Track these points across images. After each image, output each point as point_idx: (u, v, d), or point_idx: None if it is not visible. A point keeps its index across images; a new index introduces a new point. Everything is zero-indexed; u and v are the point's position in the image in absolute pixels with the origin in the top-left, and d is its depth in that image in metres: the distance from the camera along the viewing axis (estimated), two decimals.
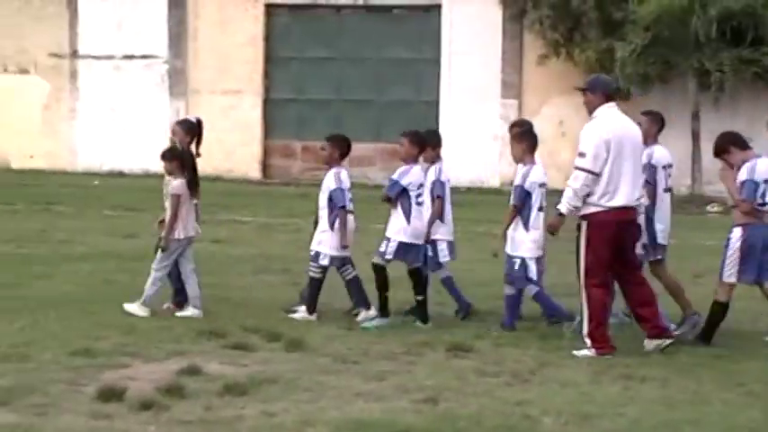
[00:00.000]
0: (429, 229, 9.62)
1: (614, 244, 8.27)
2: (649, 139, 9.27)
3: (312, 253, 9.52)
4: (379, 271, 9.27)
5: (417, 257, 9.37)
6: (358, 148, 24.94)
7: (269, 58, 26.60)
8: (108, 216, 17.85)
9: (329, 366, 7.66)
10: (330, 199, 9.40)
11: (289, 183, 24.72)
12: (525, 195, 9.15)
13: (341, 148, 9.61)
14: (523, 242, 9.15)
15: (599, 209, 8.22)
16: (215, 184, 24.51)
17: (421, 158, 9.67)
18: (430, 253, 9.73)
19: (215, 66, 26.45)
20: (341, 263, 9.50)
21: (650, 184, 9.22)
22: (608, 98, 8.44)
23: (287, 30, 26.55)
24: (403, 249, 9.25)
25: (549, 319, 9.37)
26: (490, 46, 25.04)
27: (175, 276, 9.60)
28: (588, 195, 8.23)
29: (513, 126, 10.04)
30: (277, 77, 26.70)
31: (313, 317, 9.42)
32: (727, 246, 8.79)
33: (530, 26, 24.33)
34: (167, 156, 9.55)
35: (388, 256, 9.26)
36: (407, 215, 9.25)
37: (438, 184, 9.76)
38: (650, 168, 9.25)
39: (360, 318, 9.44)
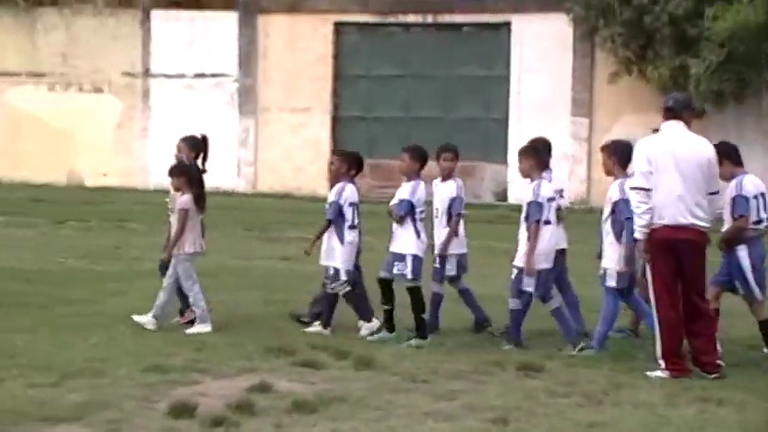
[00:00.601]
0: (447, 245, 9.71)
1: (668, 262, 8.10)
2: None
3: (331, 272, 9.59)
4: (416, 292, 9.32)
5: (421, 272, 9.44)
6: (426, 166, 25.00)
7: (338, 76, 26.73)
8: None
9: (398, 385, 7.62)
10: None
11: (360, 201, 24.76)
12: (540, 209, 9.06)
13: (350, 164, 9.77)
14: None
15: (652, 226, 8.15)
16: (284, 201, 24.66)
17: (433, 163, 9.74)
18: (436, 265, 9.81)
19: (284, 84, 26.65)
20: (339, 275, 9.58)
21: None
22: (667, 115, 8.30)
23: (356, 48, 26.67)
24: (416, 263, 9.30)
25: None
26: (560, 63, 24.87)
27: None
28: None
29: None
30: (346, 95, 26.82)
31: (375, 322, 9.50)
32: (740, 268, 8.72)
33: (601, 43, 24.08)
34: (175, 171, 9.71)
35: (414, 275, 9.28)
36: (416, 230, 9.33)
37: (458, 200, 9.83)
38: None
39: (310, 329, 9.53)
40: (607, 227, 8.92)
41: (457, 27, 26.10)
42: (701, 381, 7.94)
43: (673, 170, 8.08)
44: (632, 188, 8.23)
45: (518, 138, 25.19)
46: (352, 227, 9.60)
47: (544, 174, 9.31)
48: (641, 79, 23.51)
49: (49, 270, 13.07)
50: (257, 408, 6.75)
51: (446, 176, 9.97)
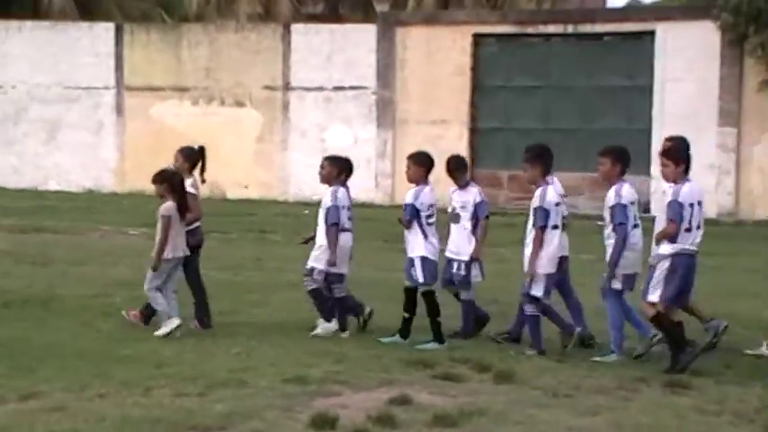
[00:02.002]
0: (479, 247, 9.97)
1: None
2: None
3: (307, 268, 9.91)
4: (429, 296, 9.55)
5: (433, 276, 9.55)
6: (566, 178, 24.59)
7: (476, 87, 26.65)
8: None
9: (540, 399, 7.50)
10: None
11: (495, 212, 24.56)
12: (546, 215, 9.16)
13: (339, 168, 10.08)
14: (538, 258, 9.16)
15: None
16: None
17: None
18: (462, 272, 9.98)
19: (422, 96, 26.70)
20: (338, 279, 9.89)
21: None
22: None
23: (494, 59, 26.54)
24: (426, 266, 9.44)
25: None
26: (707, 72, 24.22)
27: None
28: None
29: (528, 151, 9.81)
30: (484, 107, 26.70)
31: (333, 324, 9.78)
32: None
33: (751, 51, 23.36)
34: (157, 179, 9.89)
35: (425, 279, 9.47)
36: (424, 234, 9.50)
37: (483, 205, 10.07)
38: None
39: (318, 328, 9.80)
40: (608, 231, 9.13)
41: (598, 37, 25.70)
42: None
43: None
44: None
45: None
46: (344, 230, 9.89)
47: (548, 179, 9.43)
48: None
49: None
50: (398, 420, 6.72)
51: (463, 186, 10.21)
